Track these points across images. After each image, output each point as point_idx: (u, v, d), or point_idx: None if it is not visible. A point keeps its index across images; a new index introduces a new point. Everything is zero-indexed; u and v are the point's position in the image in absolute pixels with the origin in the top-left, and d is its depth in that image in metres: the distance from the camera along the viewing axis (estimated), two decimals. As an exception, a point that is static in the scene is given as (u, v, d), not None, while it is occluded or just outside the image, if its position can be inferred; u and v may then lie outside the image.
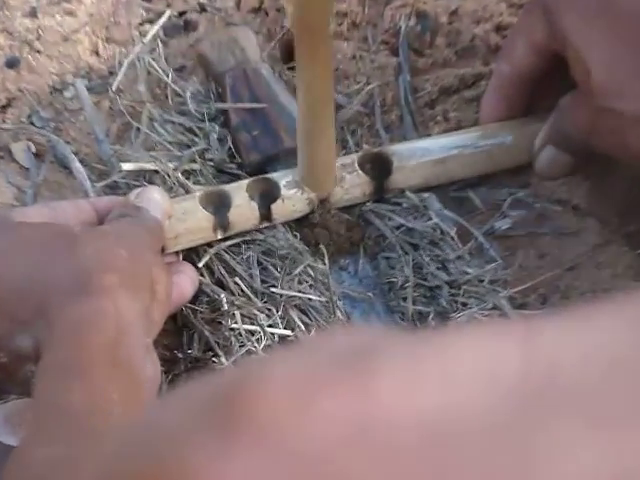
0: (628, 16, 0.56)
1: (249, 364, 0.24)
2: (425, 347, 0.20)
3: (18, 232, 0.49)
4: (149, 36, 0.73)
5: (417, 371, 0.20)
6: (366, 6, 0.74)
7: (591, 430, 0.18)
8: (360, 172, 0.61)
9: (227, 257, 0.58)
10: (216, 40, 0.69)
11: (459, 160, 0.63)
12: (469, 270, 0.58)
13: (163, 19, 0.75)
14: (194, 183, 0.61)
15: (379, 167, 0.62)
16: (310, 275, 0.57)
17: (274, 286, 0.57)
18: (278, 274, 0.57)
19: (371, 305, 0.59)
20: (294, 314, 0.55)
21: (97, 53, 0.74)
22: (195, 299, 0.57)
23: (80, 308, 0.44)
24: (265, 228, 0.60)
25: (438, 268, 0.59)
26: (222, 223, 0.58)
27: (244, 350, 0.53)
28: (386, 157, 0.62)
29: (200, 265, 0.57)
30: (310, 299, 0.56)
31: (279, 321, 0.55)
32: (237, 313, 0.55)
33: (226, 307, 0.55)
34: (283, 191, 0.59)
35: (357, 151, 0.64)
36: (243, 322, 0.55)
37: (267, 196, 0.59)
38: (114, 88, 0.69)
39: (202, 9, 0.77)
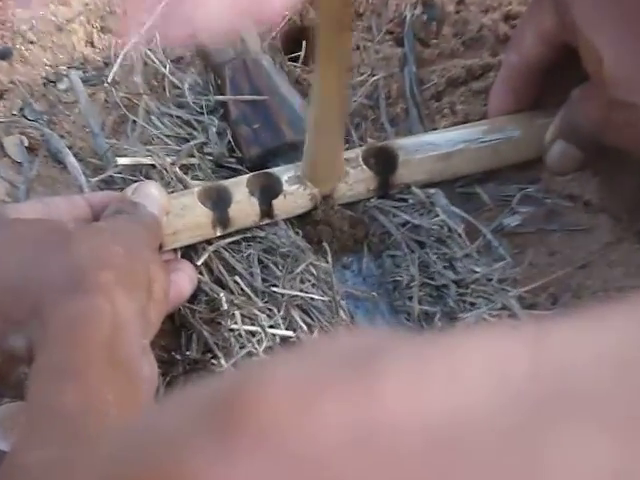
0: (642, 4, 0.56)
1: (249, 366, 0.24)
2: (432, 348, 0.20)
3: (11, 229, 0.49)
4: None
5: (423, 373, 0.20)
6: (370, -6, 0.75)
7: (603, 433, 0.18)
8: (364, 167, 0.61)
9: (227, 255, 0.58)
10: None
11: (466, 155, 0.63)
12: (477, 269, 0.58)
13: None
14: (192, 178, 0.61)
15: (384, 162, 0.62)
16: (312, 274, 0.57)
17: (275, 285, 0.57)
18: (279, 273, 0.57)
19: (375, 305, 0.59)
20: (296, 314, 0.55)
21: (92, 43, 0.74)
22: (194, 298, 0.57)
23: (75, 306, 0.44)
24: (266, 225, 0.60)
25: (445, 267, 0.59)
26: (221, 219, 0.58)
27: (244, 351, 0.54)
28: (391, 151, 0.62)
29: (199, 263, 0.58)
30: (312, 299, 0.56)
31: (280, 321, 0.55)
32: (237, 313, 0.55)
33: (226, 307, 0.55)
34: (285, 186, 0.60)
35: (361, 145, 0.64)
36: (243, 322, 0.55)
37: (268, 191, 0.59)
38: (110, 80, 0.69)
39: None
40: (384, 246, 0.61)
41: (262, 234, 0.59)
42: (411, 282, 0.58)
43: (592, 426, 0.18)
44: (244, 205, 0.59)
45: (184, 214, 0.57)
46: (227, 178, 0.61)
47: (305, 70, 0.70)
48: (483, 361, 0.20)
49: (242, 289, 0.57)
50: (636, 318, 0.20)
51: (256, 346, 0.54)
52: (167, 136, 0.65)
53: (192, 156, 0.63)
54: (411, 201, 0.62)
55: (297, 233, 0.60)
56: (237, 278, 0.57)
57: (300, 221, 0.61)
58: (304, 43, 0.69)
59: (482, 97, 0.68)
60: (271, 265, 0.58)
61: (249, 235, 0.59)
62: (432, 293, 0.58)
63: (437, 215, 0.61)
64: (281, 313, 0.55)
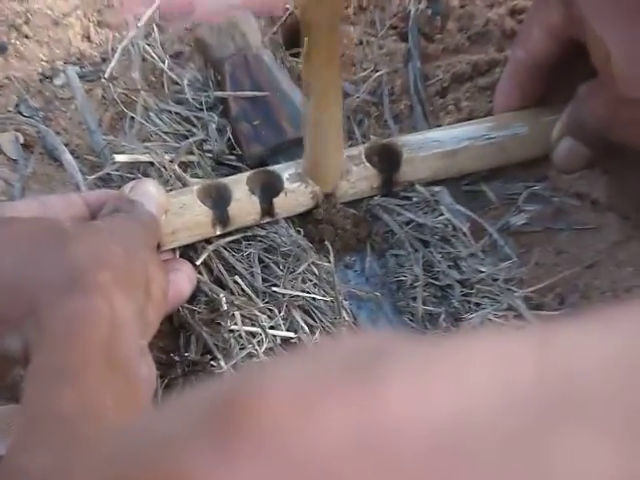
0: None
1: (250, 369, 0.24)
2: (436, 351, 0.20)
3: (6, 227, 0.49)
4: (144, 20, 0.73)
5: (427, 376, 0.20)
6: (374, -12, 0.75)
7: (608, 437, 0.18)
8: (367, 164, 0.61)
9: (226, 254, 0.58)
10: (215, 25, 0.69)
11: (472, 152, 0.63)
12: (482, 268, 0.58)
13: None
14: (192, 176, 0.61)
15: (387, 159, 0.62)
16: (314, 273, 0.57)
17: (276, 285, 0.57)
18: (280, 272, 0.57)
19: (379, 305, 0.59)
20: (297, 315, 0.55)
21: (89, 38, 0.74)
22: (193, 299, 0.57)
23: (72, 306, 0.44)
24: (267, 223, 0.60)
25: (450, 266, 0.59)
26: (221, 218, 0.58)
27: (244, 353, 0.54)
28: (395, 148, 0.62)
29: (198, 263, 0.58)
30: (314, 299, 0.56)
31: (281, 322, 0.55)
32: (237, 314, 0.55)
33: (225, 307, 0.55)
34: (286, 184, 0.60)
35: (364, 142, 0.64)
36: (243, 323, 0.55)
37: (269, 189, 0.60)
38: (107, 75, 0.70)
39: (200, -8, 0.77)
40: (387, 245, 0.61)
41: (263, 233, 0.59)
42: (415, 282, 0.58)
43: (598, 430, 0.19)
44: (244, 203, 0.59)
45: (183, 213, 0.57)
46: (227, 176, 0.61)
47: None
48: (488, 364, 0.20)
49: (242, 289, 0.57)
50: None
51: (256, 347, 0.54)
52: (166, 133, 0.65)
53: (191, 153, 0.63)
54: (415, 199, 0.62)
55: (298, 232, 0.60)
56: (237, 278, 0.57)
57: (301, 220, 0.61)
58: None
59: (488, 93, 0.68)
60: (272, 265, 0.58)
61: (249, 234, 0.59)
62: (436, 293, 0.58)
63: (442, 213, 0.61)
64: (282, 314, 0.55)
